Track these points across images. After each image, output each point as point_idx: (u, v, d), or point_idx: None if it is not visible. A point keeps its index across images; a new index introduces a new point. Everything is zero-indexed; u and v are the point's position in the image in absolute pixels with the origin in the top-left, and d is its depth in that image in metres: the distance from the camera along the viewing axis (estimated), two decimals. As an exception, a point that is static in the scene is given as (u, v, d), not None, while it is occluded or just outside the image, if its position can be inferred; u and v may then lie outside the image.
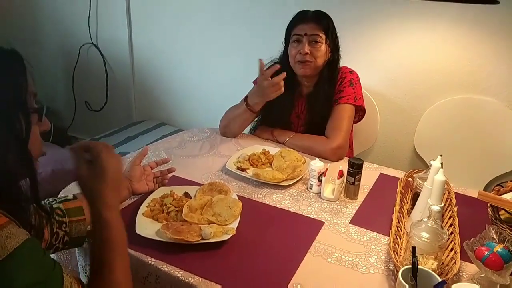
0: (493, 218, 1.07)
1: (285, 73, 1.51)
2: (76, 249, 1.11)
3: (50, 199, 1.00)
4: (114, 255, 0.75)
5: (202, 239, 1.01)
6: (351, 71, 1.69)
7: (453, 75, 1.86)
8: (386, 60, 1.98)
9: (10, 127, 0.67)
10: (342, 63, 1.69)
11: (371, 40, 1.97)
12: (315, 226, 1.16)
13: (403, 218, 1.17)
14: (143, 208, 1.13)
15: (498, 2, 0.99)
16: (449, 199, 1.22)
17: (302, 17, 1.61)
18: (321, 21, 1.58)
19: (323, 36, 1.57)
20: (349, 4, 1.95)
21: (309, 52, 1.56)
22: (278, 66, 1.52)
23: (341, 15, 1.85)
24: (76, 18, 2.72)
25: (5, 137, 0.67)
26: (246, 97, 1.64)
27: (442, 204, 1.05)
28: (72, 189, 1.25)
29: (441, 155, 1.09)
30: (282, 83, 1.51)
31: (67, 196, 1.04)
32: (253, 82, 1.78)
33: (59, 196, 1.08)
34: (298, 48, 1.58)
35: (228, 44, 2.36)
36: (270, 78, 1.51)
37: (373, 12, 1.92)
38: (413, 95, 1.97)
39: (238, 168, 1.41)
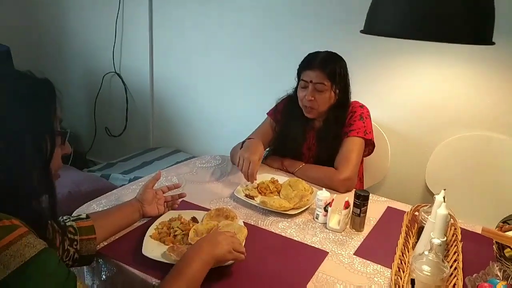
0: (497, 255, 1.06)
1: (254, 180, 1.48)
2: (85, 267, 1.15)
3: (64, 217, 1.05)
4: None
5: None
6: (362, 106, 1.72)
7: (465, 111, 1.88)
8: (398, 95, 2.01)
9: (37, 147, 0.73)
10: (354, 97, 1.73)
11: (383, 76, 2.02)
12: (318, 256, 1.17)
13: (408, 251, 1.17)
14: (151, 231, 1.16)
15: (493, 43, 1.03)
16: (455, 235, 1.22)
17: (309, 63, 1.64)
18: (327, 67, 1.60)
19: (328, 84, 1.60)
20: (361, 42, 2.00)
21: (312, 99, 1.61)
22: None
23: (354, 52, 1.92)
24: (101, 48, 2.86)
25: (32, 156, 0.73)
26: (245, 140, 1.65)
27: (445, 238, 1.05)
28: (85, 209, 1.30)
29: (444, 189, 1.10)
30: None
31: (80, 215, 1.09)
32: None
33: (72, 215, 1.13)
34: (304, 93, 1.63)
35: (242, 78, 2.45)
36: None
37: (385, 49, 1.97)
38: (424, 131, 1.99)
39: (246, 196, 1.44)
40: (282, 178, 1.58)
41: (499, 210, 1.80)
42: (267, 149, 1.84)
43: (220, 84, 2.54)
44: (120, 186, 2.01)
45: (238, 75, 2.46)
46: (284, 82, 1.77)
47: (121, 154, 2.72)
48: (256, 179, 1.49)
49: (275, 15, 2.23)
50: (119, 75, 2.85)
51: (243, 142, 1.67)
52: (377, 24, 1.06)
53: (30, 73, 0.76)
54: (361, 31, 1.21)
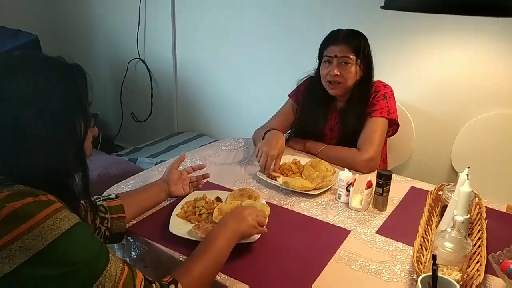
0: (523, 233, 1.05)
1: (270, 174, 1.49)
2: (116, 245, 1.20)
3: (95, 197, 1.10)
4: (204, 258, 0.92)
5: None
6: (385, 85, 1.70)
7: (491, 90, 1.83)
8: (422, 74, 1.97)
9: (72, 129, 0.77)
10: (377, 77, 1.71)
11: (407, 55, 1.98)
12: (341, 234, 1.18)
13: (431, 230, 1.17)
14: (177, 210, 1.21)
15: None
16: (479, 213, 1.21)
17: (333, 38, 1.63)
18: (352, 42, 1.59)
19: (353, 58, 1.59)
20: (385, 20, 1.97)
21: (338, 73, 1.59)
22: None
23: (377, 31, 1.89)
24: (126, 35, 2.92)
25: (67, 137, 0.77)
26: (267, 131, 1.66)
27: (468, 216, 1.05)
28: (114, 190, 1.36)
29: (468, 167, 1.09)
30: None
31: (110, 195, 1.14)
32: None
33: (102, 195, 1.18)
34: (328, 69, 1.62)
35: (264, 61, 2.45)
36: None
37: (409, 27, 1.93)
38: (450, 110, 1.95)
39: (269, 176, 1.47)
40: (304, 160, 1.59)
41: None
42: (289, 131, 1.85)
43: (242, 68, 2.55)
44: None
45: (260, 59, 2.46)
46: (306, 65, 1.76)
47: (147, 139, 2.79)
48: (272, 173, 1.49)
49: (296, -4, 2.22)
50: (143, 61, 2.90)
51: (266, 129, 1.69)
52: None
53: (62, 58, 0.80)
54: (382, 7, 1.19)
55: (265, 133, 1.66)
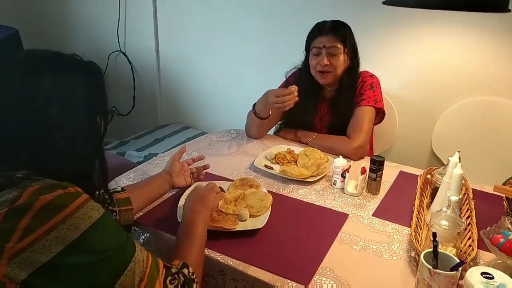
0: (508, 210, 1.14)
1: (296, 87, 1.61)
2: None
3: (101, 191, 1.11)
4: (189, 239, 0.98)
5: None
6: (372, 75, 1.77)
7: (470, 78, 1.94)
8: (405, 64, 2.06)
9: (93, 124, 0.80)
10: (363, 68, 1.78)
11: (390, 46, 2.06)
12: (340, 218, 1.25)
13: (423, 211, 1.25)
14: (182, 200, 1.23)
15: (509, 10, 1.07)
16: (466, 194, 1.30)
17: (320, 30, 1.67)
18: (338, 32, 1.65)
19: (341, 47, 1.65)
20: (368, 12, 2.04)
21: (328, 63, 1.65)
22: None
23: (361, 23, 1.95)
24: (106, 27, 2.87)
25: (89, 132, 0.80)
26: (254, 104, 1.74)
27: (460, 196, 1.13)
28: (116, 184, 1.37)
29: (458, 151, 1.17)
30: (289, 99, 1.58)
31: (116, 188, 1.16)
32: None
33: (107, 189, 1.19)
34: (318, 59, 1.67)
35: (249, 52, 2.48)
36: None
37: (392, 19, 2.01)
38: (430, 98, 2.05)
39: (265, 166, 1.51)
40: (297, 149, 1.64)
41: (503, 171, 1.90)
42: (279, 122, 1.90)
43: (226, 59, 2.57)
44: (137, 163, 2.08)
45: (245, 50, 2.49)
46: (291, 56, 1.80)
47: (130, 132, 2.78)
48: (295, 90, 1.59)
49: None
50: (124, 54, 2.87)
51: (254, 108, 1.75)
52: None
53: (78, 56, 0.81)
54: (383, 3, 1.25)
55: (253, 107, 1.73)
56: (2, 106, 0.72)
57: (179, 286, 0.80)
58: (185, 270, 0.85)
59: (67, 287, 0.67)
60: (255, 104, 1.74)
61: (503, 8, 1.02)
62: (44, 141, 0.74)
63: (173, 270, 0.82)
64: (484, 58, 1.89)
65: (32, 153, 0.74)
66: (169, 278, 0.79)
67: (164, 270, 0.80)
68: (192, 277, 0.85)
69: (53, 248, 0.65)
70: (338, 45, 1.64)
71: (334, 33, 1.64)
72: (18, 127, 0.72)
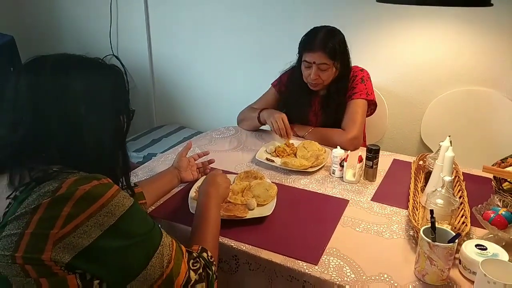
0: (496, 188, 1.24)
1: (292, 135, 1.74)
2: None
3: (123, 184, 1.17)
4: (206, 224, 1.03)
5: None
6: (362, 70, 1.86)
7: (455, 69, 2.04)
8: (393, 58, 2.16)
9: (118, 122, 0.87)
10: (354, 63, 1.86)
11: (378, 41, 2.15)
12: (341, 204, 1.33)
13: (418, 194, 1.34)
14: (192, 193, 1.30)
15: (491, 4, 1.17)
16: (457, 176, 1.39)
17: (310, 44, 1.71)
18: (327, 48, 1.68)
19: (330, 62, 1.71)
20: (359, 11, 2.13)
21: (317, 77, 1.73)
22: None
23: (351, 20, 2.05)
24: (98, 31, 2.91)
25: (114, 129, 0.87)
26: (261, 110, 1.83)
27: (453, 177, 1.22)
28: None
29: (449, 136, 1.26)
30: (283, 134, 1.70)
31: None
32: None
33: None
34: (308, 72, 1.74)
35: (241, 51, 2.55)
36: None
37: (379, 15, 2.10)
38: (418, 90, 2.15)
39: (267, 159, 1.58)
40: (295, 142, 1.72)
41: (489, 156, 2.01)
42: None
43: (219, 59, 2.64)
44: (137, 163, 2.13)
45: (237, 49, 2.55)
46: (283, 55, 1.87)
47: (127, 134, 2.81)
48: (291, 135, 1.71)
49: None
50: (117, 57, 2.89)
51: (256, 110, 1.84)
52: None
53: (101, 60, 0.87)
54: (378, 0, 1.33)
55: (259, 113, 1.82)
56: (36, 106, 0.78)
57: (201, 269, 0.86)
58: (204, 254, 0.91)
59: (106, 268, 0.73)
60: (263, 110, 1.83)
61: (486, 3, 1.12)
62: (75, 138, 0.80)
63: (194, 255, 0.89)
64: (466, 51, 1.99)
65: (64, 149, 0.79)
66: (192, 261, 0.85)
67: (187, 254, 0.86)
68: (210, 260, 0.91)
69: (93, 233, 0.71)
70: (327, 62, 1.70)
71: (323, 49, 1.69)
72: (51, 126, 0.78)
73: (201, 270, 0.85)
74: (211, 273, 0.87)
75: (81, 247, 0.70)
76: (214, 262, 0.93)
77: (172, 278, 0.79)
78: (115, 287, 0.76)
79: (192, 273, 0.83)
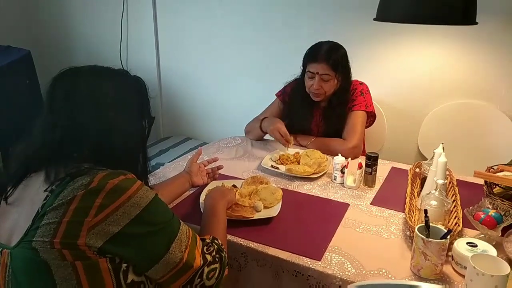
0: (487, 192, 1.33)
1: (293, 141, 1.84)
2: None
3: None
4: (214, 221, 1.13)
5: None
6: (361, 83, 1.97)
7: (449, 83, 2.16)
8: (390, 73, 2.27)
9: (141, 126, 0.97)
10: (354, 77, 1.96)
11: (377, 56, 2.27)
12: (342, 207, 1.41)
13: (414, 198, 1.42)
14: (202, 196, 1.38)
15: (476, 23, 1.28)
16: (451, 182, 1.48)
17: (314, 56, 1.83)
18: (330, 59, 1.80)
19: (332, 74, 1.82)
20: (359, 27, 2.25)
21: (320, 87, 1.84)
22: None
23: (352, 37, 2.16)
24: (108, 47, 3.04)
25: (138, 133, 0.97)
26: (263, 119, 1.94)
27: (446, 180, 1.31)
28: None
29: (442, 143, 1.36)
30: (284, 143, 1.81)
31: (144, 187, 1.30)
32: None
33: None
34: (311, 82, 1.85)
35: (246, 65, 2.67)
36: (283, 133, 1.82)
37: (378, 33, 2.22)
38: (415, 103, 2.26)
39: (272, 166, 1.67)
40: (299, 151, 1.81)
41: (482, 164, 2.09)
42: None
43: (225, 72, 2.76)
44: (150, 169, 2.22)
45: (242, 63, 2.68)
46: (286, 67, 1.98)
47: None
48: (291, 141, 1.81)
49: (276, 2, 2.45)
50: (126, 71, 3.02)
51: (259, 120, 1.94)
52: (390, 13, 1.30)
53: (125, 71, 0.97)
54: (374, 19, 1.44)
55: (261, 122, 1.93)
56: (71, 111, 0.87)
57: (214, 252, 0.96)
58: (216, 241, 1.01)
59: (132, 252, 0.82)
60: (263, 119, 1.93)
61: (471, 21, 1.22)
62: (104, 139, 0.89)
63: (208, 241, 0.99)
64: (460, 66, 2.11)
65: (94, 149, 0.89)
66: (205, 247, 0.95)
67: (201, 241, 0.95)
68: (222, 246, 1.00)
69: (121, 222, 0.80)
70: (330, 73, 1.81)
71: (327, 61, 1.80)
72: (84, 128, 0.88)
73: (214, 253, 0.95)
74: (223, 255, 0.97)
75: (111, 234, 0.79)
76: (225, 250, 1.01)
77: (190, 262, 0.88)
78: (141, 270, 0.85)
79: (207, 256, 0.92)
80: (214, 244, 0.98)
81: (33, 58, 2.54)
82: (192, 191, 1.48)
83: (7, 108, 2.29)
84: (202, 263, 0.90)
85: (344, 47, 1.88)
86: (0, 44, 2.52)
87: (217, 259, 0.95)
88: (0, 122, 2.21)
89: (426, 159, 2.22)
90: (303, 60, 1.90)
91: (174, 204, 1.39)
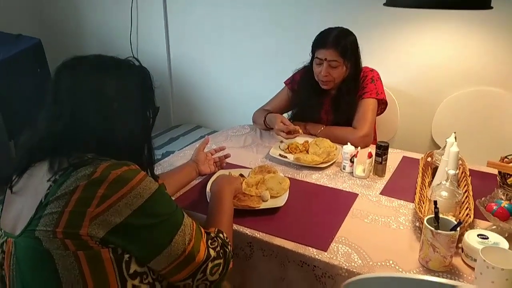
0: (501, 183, 1.29)
1: (300, 129, 1.79)
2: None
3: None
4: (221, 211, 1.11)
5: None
6: (372, 70, 1.92)
7: (464, 70, 2.09)
8: (403, 59, 2.21)
9: (145, 117, 0.96)
10: (365, 64, 1.92)
11: (389, 42, 2.21)
12: (350, 197, 1.39)
13: (425, 188, 1.39)
14: (209, 186, 1.37)
15: (491, 7, 1.22)
16: (463, 172, 1.44)
17: (323, 42, 1.79)
18: (339, 46, 1.76)
19: (341, 60, 1.77)
20: (371, 13, 2.19)
21: (328, 74, 1.80)
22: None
23: (363, 22, 2.11)
24: (119, 35, 3.03)
25: (142, 123, 0.96)
26: (267, 115, 1.93)
27: (457, 171, 1.27)
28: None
29: (454, 132, 1.32)
30: (288, 137, 1.78)
31: (151, 175, 1.30)
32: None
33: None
34: (319, 69, 1.81)
35: (256, 53, 2.63)
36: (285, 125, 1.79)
37: (391, 19, 2.16)
38: (428, 90, 2.20)
39: (280, 155, 1.66)
40: (308, 140, 1.78)
41: (497, 156, 2.04)
42: (288, 115, 2.05)
43: (234, 60, 2.73)
44: (156, 160, 2.22)
45: (252, 51, 2.64)
46: (296, 55, 1.94)
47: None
48: (299, 130, 1.77)
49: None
50: (137, 59, 3.01)
51: (265, 112, 1.95)
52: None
53: (131, 61, 0.96)
54: (384, 4, 1.40)
55: (265, 118, 1.92)
56: (75, 101, 0.87)
57: (219, 247, 0.94)
58: (221, 235, 0.99)
59: (134, 243, 0.82)
60: (268, 114, 1.92)
61: (486, 6, 1.17)
62: (108, 130, 0.89)
63: (212, 235, 0.97)
64: (475, 51, 2.04)
65: (98, 139, 0.88)
66: (210, 240, 0.94)
67: (205, 234, 0.94)
68: (226, 240, 0.99)
69: (124, 212, 0.79)
70: (338, 60, 1.77)
71: (335, 47, 1.76)
72: (88, 119, 0.87)
73: (218, 248, 0.94)
74: (228, 251, 0.95)
75: (113, 224, 0.79)
76: (230, 243, 1.00)
77: (193, 255, 0.87)
78: (143, 261, 0.85)
79: (211, 251, 0.91)
80: (218, 238, 0.97)
81: (44, 46, 2.55)
82: (199, 180, 1.47)
83: (18, 97, 2.31)
84: (205, 257, 0.89)
85: (355, 33, 1.83)
86: (11, 33, 2.53)
87: (221, 255, 0.94)
88: (11, 111, 2.24)
89: (440, 148, 2.18)
90: (312, 47, 1.86)
91: (181, 193, 1.39)
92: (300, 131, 1.78)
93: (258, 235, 1.17)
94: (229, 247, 0.98)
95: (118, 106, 0.89)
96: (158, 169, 1.56)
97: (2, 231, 0.87)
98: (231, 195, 1.20)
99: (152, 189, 0.84)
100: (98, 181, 0.79)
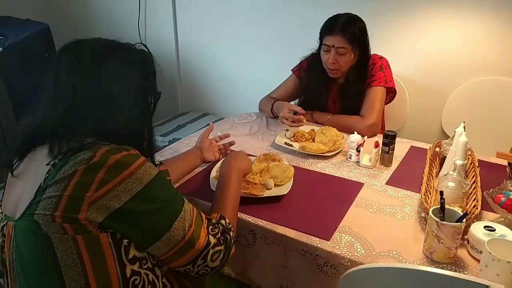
0: (510, 174, 1.26)
1: (304, 119, 1.78)
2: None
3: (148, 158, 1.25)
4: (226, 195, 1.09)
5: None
6: (381, 57, 1.88)
7: (476, 59, 2.04)
8: (415, 47, 2.16)
9: (146, 101, 0.95)
10: (374, 51, 1.88)
11: (400, 31, 2.16)
12: (356, 186, 1.37)
13: (432, 178, 1.37)
14: (213, 173, 1.37)
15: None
16: (472, 163, 1.41)
17: (331, 28, 1.76)
18: (347, 32, 1.72)
19: (349, 47, 1.74)
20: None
21: (335, 62, 1.77)
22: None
23: (372, 9, 2.06)
24: (127, 22, 3.01)
25: (143, 107, 0.95)
26: (274, 102, 1.92)
27: (465, 161, 1.24)
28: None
29: (463, 122, 1.29)
30: (292, 125, 1.78)
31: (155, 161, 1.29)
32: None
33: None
34: (327, 56, 1.78)
35: (264, 40, 2.60)
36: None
37: (404, 4, 2.11)
38: (439, 79, 2.15)
39: (285, 143, 1.64)
40: (314, 128, 1.76)
41: (507, 145, 2.00)
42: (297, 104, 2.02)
43: (242, 47, 2.70)
44: (162, 147, 2.23)
45: (259, 38, 2.61)
46: (304, 42, 1.90)
47: (153, 120, 2.91)
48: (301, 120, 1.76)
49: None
50: (145, 46, 3.00)
51: (271, 100, 1.93)
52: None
53: (132, 45, 0.95)
54: None
55: (272, 105, 1.90)
56: (75, 85, 0.86)
57: (219, 233, 0.93)
58: (223, 221, 0.98)
59: (133, 228, 0.81)
60: (275, 101, 1.91)
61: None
62: (108, 114, 0.88)
63: (213, 221, 0.96)
64: (488, 40, 1.99)
65: (98, 124, 0.88)
66: (211, 227, 0.93)
67: (206, 221, 0.94)
68: (228, 226, 0.98)
69: (122, 197, 0.79)
70: (346, 46, 1.74)
71: (343, 33, 1.72)
72: (88, 103, 0.86)
73: (219, 235, 0.93)
74: (229, 237, 0.95)
75: (112, 209, 0.78)
76: (232, 229, 0.99)
77: (193, 241, 0.86)
78: (142, 246, 0.84)
79: (211, 237, 0.90)
80: (220, 225, 0.96)
81: (52, 32, 2.55)
82: (204, 167, 1.46)
83: (26, 82, 2.31)
84: (205, 244, 0.89)
85: (364, 20, 1.79)
86: (19, 18, 2.53)
87: (222, 241, 0.93)
88: (19, 95, 2.25)
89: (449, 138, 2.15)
90: (319, 33, 1.83)
91: (185, 180, 1.38)
92: (305, 121, 1.76)
93: (261, 223, 1.17)
94: (230, 233, 0.97)
95: (119, 90, 0.88)
96: (162, 156, 1.56)
97: (3, 214, 0.88)
98: (239, 178, 1.17)
99: (151, 175, 0.83)
100: (97, 165, 0.79)
